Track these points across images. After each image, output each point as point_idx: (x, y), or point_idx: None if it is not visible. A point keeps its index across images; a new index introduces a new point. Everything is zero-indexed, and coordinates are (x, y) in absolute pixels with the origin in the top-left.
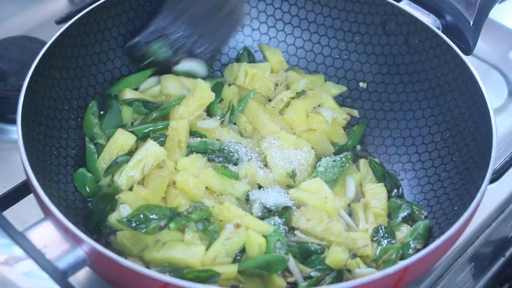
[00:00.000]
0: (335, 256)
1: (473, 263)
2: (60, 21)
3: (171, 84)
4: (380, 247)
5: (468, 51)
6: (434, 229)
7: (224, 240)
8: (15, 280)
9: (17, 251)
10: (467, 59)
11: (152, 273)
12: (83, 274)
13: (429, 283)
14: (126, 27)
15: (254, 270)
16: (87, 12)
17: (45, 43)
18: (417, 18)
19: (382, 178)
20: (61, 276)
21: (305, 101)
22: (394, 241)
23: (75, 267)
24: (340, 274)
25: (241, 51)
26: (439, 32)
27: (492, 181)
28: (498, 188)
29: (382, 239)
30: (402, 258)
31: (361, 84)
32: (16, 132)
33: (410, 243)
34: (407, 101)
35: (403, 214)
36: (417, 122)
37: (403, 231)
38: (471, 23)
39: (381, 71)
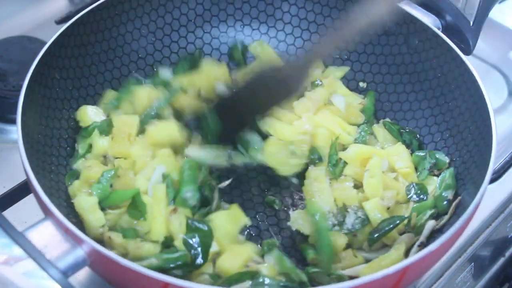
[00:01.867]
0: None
1: (473, 263)
2: (60, 21)
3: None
4: (412, 208)
5: (468, 51)
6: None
7: None
8: (15, 280)
9: (17, 251)
10: (467, 59)
11: (152, 273)
12: (83, 274)
13: (429, 283)
14: (126, 27)
15: None
16: (87, 12)
17: (45, 43)
18: (417, 18)
19: (399, 136)
20: (61, 276)
21: (323, 91)
22: (427, 196)
23: (75, 267)
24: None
25: (232, 46)
26: (439, 32)
27: (492, 181)
28: (498, 188)
29: (415, 196)
30: (438, 212)
31: (361, 84)
32: (16, 132)
33: (443, 194)
34: (407, 101)
35: (428, 165)
36: (417, 122)
37: (432, 184)
38: (471, 23)
39: (381, 71)
